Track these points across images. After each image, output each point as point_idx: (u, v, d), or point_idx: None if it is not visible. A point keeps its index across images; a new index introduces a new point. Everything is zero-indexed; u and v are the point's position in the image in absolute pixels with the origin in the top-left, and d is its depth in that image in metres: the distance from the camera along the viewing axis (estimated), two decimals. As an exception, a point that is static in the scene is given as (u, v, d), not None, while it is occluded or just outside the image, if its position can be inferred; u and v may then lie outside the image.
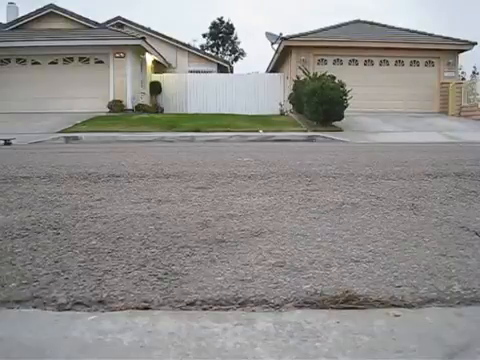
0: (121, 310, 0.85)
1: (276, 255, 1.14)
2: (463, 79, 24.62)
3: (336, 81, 13.74)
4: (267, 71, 23.56)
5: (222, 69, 23.76)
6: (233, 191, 2.08)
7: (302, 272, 1.02)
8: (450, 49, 18.79)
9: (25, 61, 18.86)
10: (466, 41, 18.79)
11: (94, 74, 18.17)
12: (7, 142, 8.09)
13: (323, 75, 14.50)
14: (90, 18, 19.62)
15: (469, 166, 3.02)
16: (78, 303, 0.88)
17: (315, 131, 12.33)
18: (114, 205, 1.78)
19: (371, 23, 20.35)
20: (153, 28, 23.70)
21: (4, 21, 20.85)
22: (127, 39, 18.23)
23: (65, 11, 19.48)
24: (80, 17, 19.54)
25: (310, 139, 11.00)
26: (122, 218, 1.54)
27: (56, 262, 1.09)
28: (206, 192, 2.06)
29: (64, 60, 18.72)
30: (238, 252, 1.17)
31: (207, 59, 23.79)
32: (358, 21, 20.46)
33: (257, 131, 11.99)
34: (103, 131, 12.01)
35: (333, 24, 20.01)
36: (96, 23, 19.78)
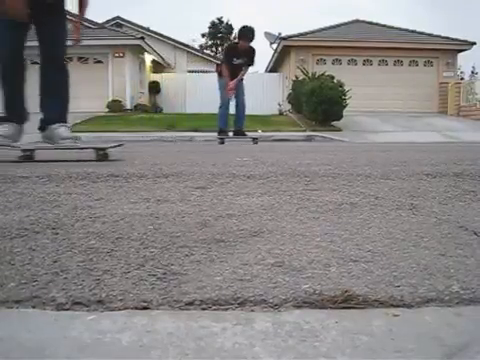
0: (120, 310, 0.85)
1: (275, 255, 1.14)
2: (462, 79, 24.64)
3: (335, 81, 13.76)
4: (266, 71, 23.57)
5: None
6: (232, 191, 2.08)
7: (301, 272, 1.02)
8: (449, 49, 18.81)
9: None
10: (465, 41, 18.81)
11: (93, 74, 18.17)
12: (255, 141, 8.47)
13: (322, 75, 14.52)
14: (89, 18, 19.59)
15: (468, 166, 3.02)
16: (77, 303, 0.88)
17: (314, 131, 12.34)
18: (113, 205, 1.78)
19: (370, 23, 20.37)
20: (152, 28, 23.70)
21: (3, 21, 20.77)
22: (126, 39, 18.22)
23: (64, 11, 19.39)
24: (79, 17, 19.43)
25: (309, 139, 11.02)
26: (121, 218, 1.54)
27: (55, 262, 1.09)
28: (205, 192, 2.06)
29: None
30: (237, 252, 1.17)
31: (206, 59, 23.78)
32: (357, 21, 20.48)
33: (256, 131, 12.00)
34: (102, 131, 12.02)
35: (332, 24, 20.03)
36: (95, 23, 19.76)
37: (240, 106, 8.57)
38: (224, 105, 8.49)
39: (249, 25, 8.25)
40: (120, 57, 18.09)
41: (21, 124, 3.92)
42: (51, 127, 3.90)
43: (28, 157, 3.68)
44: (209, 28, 40.20)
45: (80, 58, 18.51)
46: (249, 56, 8.32)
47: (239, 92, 8.47)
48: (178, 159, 4.08)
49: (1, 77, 3.76)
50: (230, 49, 8.48)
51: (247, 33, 8.17)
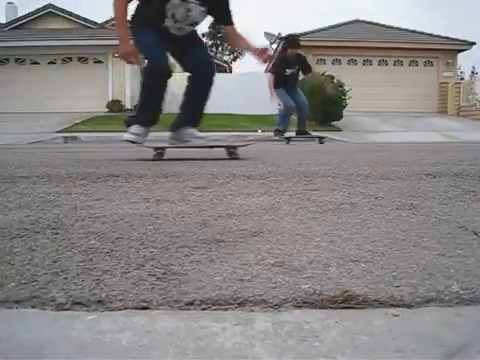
0: (120, 310, 0.85)
1: (275, 255, 1.14)
2: (462, 79, 24.66)
3: (335, 81, 13.77)
4: (266, 71, 23.53)
5: (221, 69, 23.72)
6: (232, 191, 2.08)
7: (301, 272, 1.02)
8: (449, 49, 18.80)
9: (24, 61, 18.85)
10: (465, 41, 18.81)
11: (93, 74, 18.18)
12: (321, 141, 8.75)
13: (322, 75, 14.50)
14: (89, 18, 19.58)
15: (468, 166, 3.02)
16: (77, 303, 0.88)
17: (314, 131, 12.32)
18: (113, 205, 1.78)
19: (370, 23, 20.35)
20: (152, 28, 23.62)
21: (3, 21, 20.82)
22: (126, 39, 18.13)
23: (63, 11, 19.44)
24: (79, 17, 19.51)
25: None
26: (121, 218, 1.54)
27: (55, 262, 1.09)
28: (205, 192, 2.06)
29: (63, 60, 18.71)
30: (237, 252, 1.17)
31: (206, 59, 23.69)
32: (357, 21, 20.46)
33: (256, 131, 12.00)
34: (102, 131, 12.02)
35: (332, 24, 20.00)
36: (95, 23, 19.75)
37: (303, 108, 8.85)
38: (289, 110, 8.79)
39: (295, 34, 8.68)
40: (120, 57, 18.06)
41: (149, 127, 4.21)
42: (182, 128, 4.23)
43: (160, 154, 3.95)
44: (209, 28, 40.18)
45: (80, 58, 18.51)
46: (302, 62, 8.56)
47: (299, 95, 8.72)
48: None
49: (148, 87, 4.08)
50: (281, 61, 8.69)
51: (296, 41, 8.48)
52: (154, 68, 4.02)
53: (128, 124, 4.19)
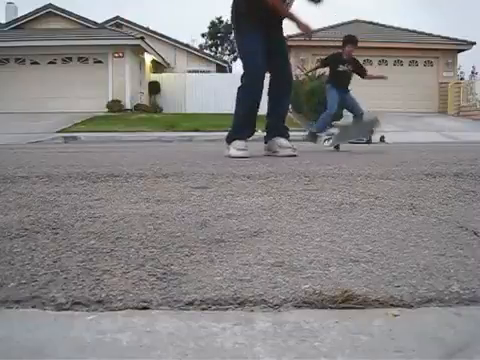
0: (120, 310, 0.85)
1: (275, 255, 1.14)
2: (462, 79, 24.66)
3: (335, 81, 13.72)
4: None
5: (221, 69, 23.71)
6: (232, 191, 2.08)
7: (301, 272, 1.02)
8: (449, 49, 18.79)
9: (24, 61, 18.85)
10: (465, 41, 18.80)
11: (93, 74, 18.18)
12: (382, 139, 7.92)
13: (322, 75, 14.50)
14: (89, 18, 19.58)
15: (468, 166, 3.02)
16: (77, 303, 0.88)
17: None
18: (113, 205, 1.78)
19: (370, 23, 20.34)
20: (152, 28, 23.70)
21: (3, 21, 20.84)
22: (126, 39, 18.20)
23: (64, 11, 19.44)
24: (79, 17, 19.50)
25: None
26: (121, 218, 1.54)
27: (55, 262, 1.09)
28: (205, 192, 2.06)
29: (63, 60, 18.71)
30: (237, 252, 1.17)
31: (206, 59, 23.78)
32: (357, 21, 20.43)
33: (256, 131, 11.97)
34: (102, 131, 12.02)
35: (332, 24, 19.98)
36: (95, 23, 19.75)
37: (358, 117, 7.71)
38: (329, 116, 7.66)
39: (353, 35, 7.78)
40: (120, 57, 18.08)
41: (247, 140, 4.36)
42: (273, 139, 4.40)
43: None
44: (209, 28, 40.19)
45: (80, 58, 18.50)
46: (357, 65, 7.61)
47: (354, 102, 7.64)
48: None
49: (249, 108, 4.26)
50: (336, 56, 7.78)
51: (354, 39, 7.57)
52: (251, 78, 4.11)
53: (229, 141, 4.27)
